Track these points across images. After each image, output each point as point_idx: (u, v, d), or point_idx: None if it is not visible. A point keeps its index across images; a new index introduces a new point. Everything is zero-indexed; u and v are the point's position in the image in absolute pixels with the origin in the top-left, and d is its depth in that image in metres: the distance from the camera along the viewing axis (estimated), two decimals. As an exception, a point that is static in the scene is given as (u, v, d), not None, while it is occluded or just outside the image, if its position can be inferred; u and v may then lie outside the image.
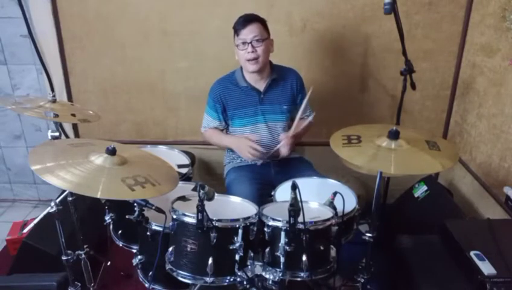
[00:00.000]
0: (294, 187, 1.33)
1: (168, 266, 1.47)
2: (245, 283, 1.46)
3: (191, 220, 1.40)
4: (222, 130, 2.16)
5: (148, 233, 1.54)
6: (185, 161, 2.12)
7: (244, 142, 1.97)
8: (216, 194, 1.40)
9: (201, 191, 1.32)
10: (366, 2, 2.35)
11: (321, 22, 2.40)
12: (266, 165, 2.10)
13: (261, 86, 2.03)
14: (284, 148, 1.99)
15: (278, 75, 2.06)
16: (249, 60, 1.93)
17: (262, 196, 1.87)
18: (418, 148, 1.46)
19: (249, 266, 1.47)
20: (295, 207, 1.34)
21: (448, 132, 2.63)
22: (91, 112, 1.98)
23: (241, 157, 2.09)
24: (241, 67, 2.04)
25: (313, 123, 2.16)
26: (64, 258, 1.60)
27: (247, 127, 2.06)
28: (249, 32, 1.90)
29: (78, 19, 2.43)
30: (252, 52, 1.91)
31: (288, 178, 1.80)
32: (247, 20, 1.92)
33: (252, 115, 2.05)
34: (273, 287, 1.48)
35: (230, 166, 2.15)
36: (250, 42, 1.90)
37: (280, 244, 1.42)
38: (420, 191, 2.30)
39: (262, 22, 1.95)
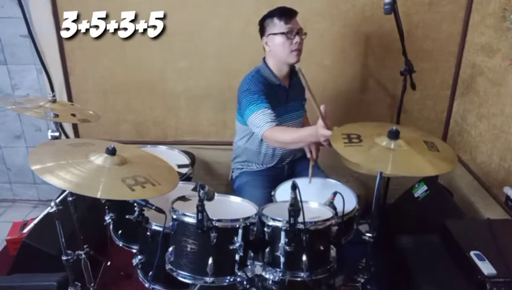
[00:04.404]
0: (294, 187, 1.33)
1: (168, 266, 1.46)
2: (245, 283, 1.46)
3: (191, 220, 1.40)
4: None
5: (148, 233, 1.55)
6: (185, 161, 2.12)
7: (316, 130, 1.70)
8: (216, 194, 1.40)
9: (201, 191, 1.32)
10: (366, 2, 2.34)
11: (321, 22, 2.40)
12: (281, 167, 2.07)
13: (286, 83, 1.97)
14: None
15: (292, 71, 1.98)
16: (295, 50, 1.84)
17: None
18: (417, 151, 1.44)
19: (249, 266, 1.47)
20: (295, 207, 1.35)
21: (448, 131, 2.63)
22: (91, 112, 1.98)
23: (255, 163, 2.04)
24: (265, 65, 1.92)
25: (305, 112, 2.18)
26: (64, 258, 1.60)
27: None
28: (297, 24, 1.83)
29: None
30: (300, 42, 1.83)
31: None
32: (292, 11, 1.84)
33: (282, 113, 1.93)
34: (273, 287, 1.48)
35: (241, 170, 2.10)
36: (298, 33, 1.82)
37: (280, 245, 1.42)
38: (420, 191, 2.30)
39: None
